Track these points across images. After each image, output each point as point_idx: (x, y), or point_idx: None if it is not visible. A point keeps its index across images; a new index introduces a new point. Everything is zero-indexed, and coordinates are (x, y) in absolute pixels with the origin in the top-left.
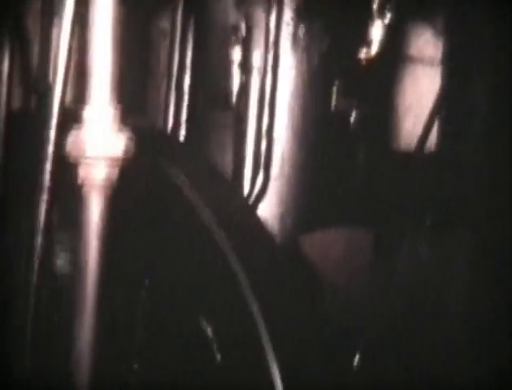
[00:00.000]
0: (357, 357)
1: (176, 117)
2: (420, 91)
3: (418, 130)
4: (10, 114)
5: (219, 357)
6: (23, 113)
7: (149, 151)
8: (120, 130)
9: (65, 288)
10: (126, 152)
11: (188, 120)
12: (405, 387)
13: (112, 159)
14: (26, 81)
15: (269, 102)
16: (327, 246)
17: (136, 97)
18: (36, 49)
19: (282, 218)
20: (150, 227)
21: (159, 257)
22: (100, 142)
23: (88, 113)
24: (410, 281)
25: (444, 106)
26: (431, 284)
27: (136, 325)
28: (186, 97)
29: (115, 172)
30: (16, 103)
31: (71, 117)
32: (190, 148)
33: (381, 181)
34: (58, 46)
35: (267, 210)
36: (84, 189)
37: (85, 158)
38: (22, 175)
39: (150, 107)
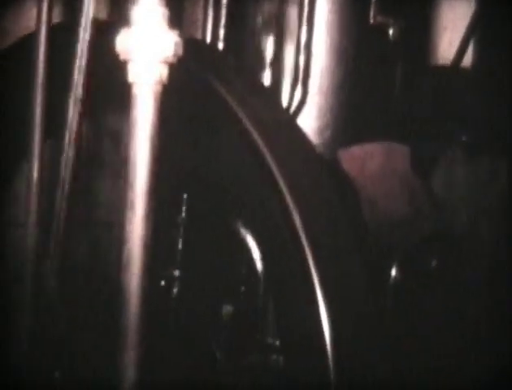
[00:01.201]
0: (394, 267)
1: (214, 32)
2: (457, 8)
3: (455, 47)
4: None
5: (259, 265)
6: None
7: (192, 60)
8: (168, 32)
9: (113, 189)
10: (175, 53)
11: (226, 36)
12: (440, 300)
13: (161, 60)
14: None
15: (307, 17)
16: (365, 160)
17: (174, 10)
18: None
19: (320, 132)
20: (194, 132)
21: (201, 161)
22: (149, 43)
23: (136, 14)
24: (445, 197)
25: (481, 24)
26: (465, 202)
27: (177, 229)
28: (224, 12)
29: (165, 73)
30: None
31: (118, 20)
32: (230, 60)
33: (419, 97)
34: None
35: (305, 124)
36: (134, 89)
37: (134, 58)
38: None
39: (188, 21)
